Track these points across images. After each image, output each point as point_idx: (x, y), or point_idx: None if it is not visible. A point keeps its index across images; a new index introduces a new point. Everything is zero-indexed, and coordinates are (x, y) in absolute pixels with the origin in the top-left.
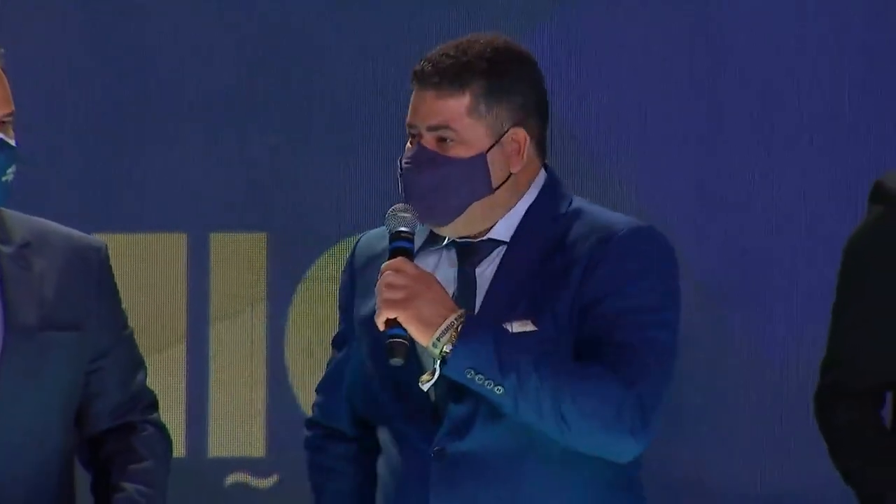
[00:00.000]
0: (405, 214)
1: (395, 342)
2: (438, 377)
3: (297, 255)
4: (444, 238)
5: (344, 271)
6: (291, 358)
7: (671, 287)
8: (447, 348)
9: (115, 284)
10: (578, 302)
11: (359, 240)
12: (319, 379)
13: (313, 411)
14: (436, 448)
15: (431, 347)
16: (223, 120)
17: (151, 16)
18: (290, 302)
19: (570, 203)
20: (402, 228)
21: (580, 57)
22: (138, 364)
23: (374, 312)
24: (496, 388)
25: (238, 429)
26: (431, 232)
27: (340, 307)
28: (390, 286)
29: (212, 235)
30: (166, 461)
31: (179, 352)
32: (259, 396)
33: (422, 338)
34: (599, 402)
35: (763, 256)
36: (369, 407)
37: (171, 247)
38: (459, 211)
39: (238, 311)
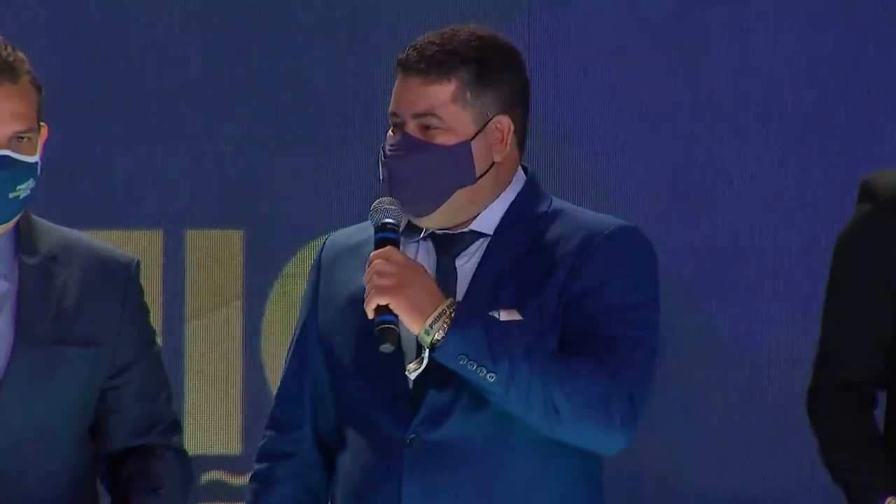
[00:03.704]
0: (391, 207)
1: (385, 328)
2: (426, 365)
3: (274, 252)
4: (422, 230)
5: (311, 272)
6: (268, 355)
7: (654, 288)
8: (439, 335)
9: (143, 301)
10: (566, 296)
11: (326, 239)
12: None
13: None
14: (410, 436)
15: (423, 334)
16: (199, 116)
17: (127, 8)
18: (266, 299)
19: (551, 203)
20: (388, 220)
21: (557, 52)
22: (161, 384)
23: (349, 302)
24: (488, 376)
25: (214, 426)
26: (409, 224)
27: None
28: (381, 273)
29: (188, 232)
30: (184, 488)
31: None
32: (235, 394)
33: (414, 324)
34: (590, 394)
35: (741, 255)
36: (339, 400)
37: (147, 243)
38: (442, 200)
39: (214, 308)
